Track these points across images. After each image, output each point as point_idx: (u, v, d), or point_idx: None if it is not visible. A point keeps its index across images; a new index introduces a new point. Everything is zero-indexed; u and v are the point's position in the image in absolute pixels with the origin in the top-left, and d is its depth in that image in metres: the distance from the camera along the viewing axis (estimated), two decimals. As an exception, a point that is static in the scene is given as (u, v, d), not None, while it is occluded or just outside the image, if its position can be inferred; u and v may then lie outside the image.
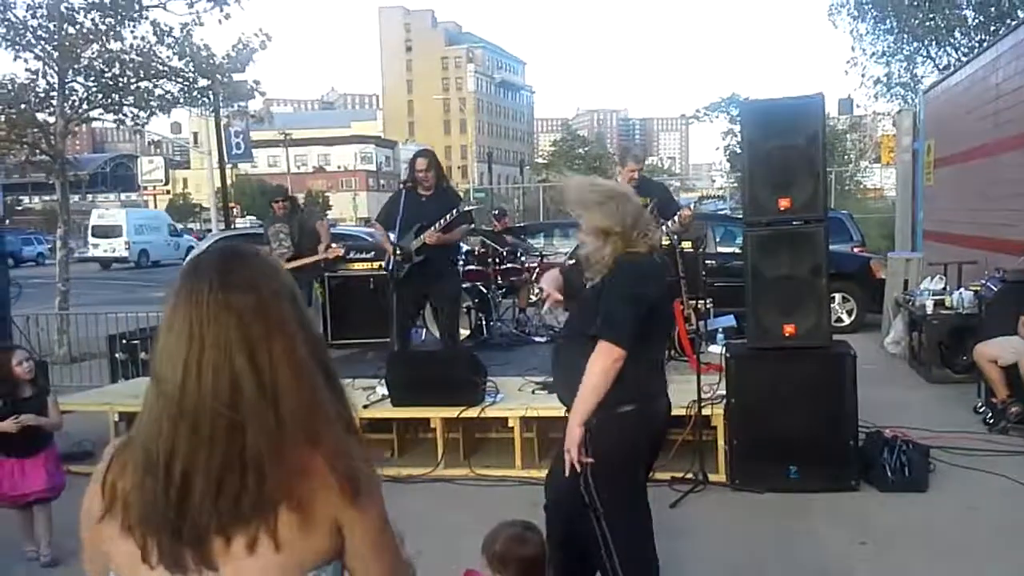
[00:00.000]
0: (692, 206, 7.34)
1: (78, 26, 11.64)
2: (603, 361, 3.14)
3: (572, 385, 3.24)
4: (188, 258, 12.24)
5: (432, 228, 7.34)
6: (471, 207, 7.86)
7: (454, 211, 7.46)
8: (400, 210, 7.56)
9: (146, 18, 11.89)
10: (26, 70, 11.70)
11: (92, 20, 11.72)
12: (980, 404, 7.06)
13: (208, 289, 1.42)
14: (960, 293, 8.71)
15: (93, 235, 40.20)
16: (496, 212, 14.89)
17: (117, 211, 43.91)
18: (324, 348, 1.54)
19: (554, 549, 3.23)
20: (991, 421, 6.72)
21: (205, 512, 1.37)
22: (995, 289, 8.21)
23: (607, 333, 3.15)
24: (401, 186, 7.86)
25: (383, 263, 8.11)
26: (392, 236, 7.69)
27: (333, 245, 9.10)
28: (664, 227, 6.66)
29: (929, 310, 8.68)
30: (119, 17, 11.71)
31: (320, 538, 1.42)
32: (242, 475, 1.37)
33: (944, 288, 9.08)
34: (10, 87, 11.70)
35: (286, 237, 8.85)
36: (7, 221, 7.58)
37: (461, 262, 11.49)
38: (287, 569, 1.40)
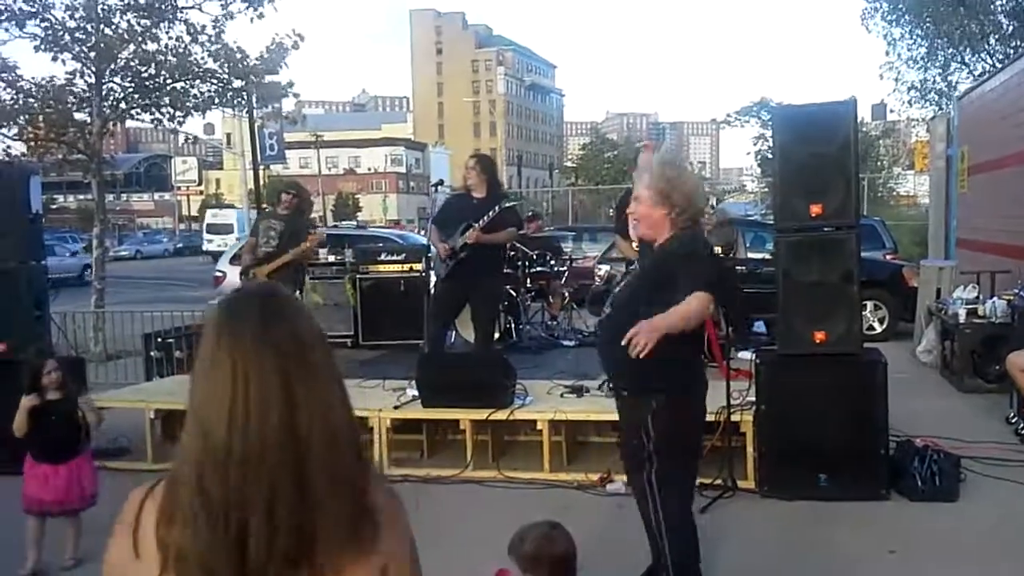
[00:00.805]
0: (715, 207, 7.28)
1: (114, 27, 11.82)
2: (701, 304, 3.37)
3: (640, 366, 3.33)
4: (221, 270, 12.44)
5: (476, 226, 7.38)
6: (511, 203, 7.88)
7: (496, 207, 7.50)
8: (453, 210, 7.71)
9: (181, 19, 12.06)
10: (66, 73, 11.90)
11: (128, 21, 11.90)
12: (1012, 414, 7.00)
13: (251, 331, 1.42)
14: (993, 302, 8.63)
15: (207, 232, 45.38)
16: (529, 214, 14.93)
17: (229, 211, 48.35)
18: (346, 390, 1.52)
19: None
20: (1023, 432, 6.66)
21: (264, 557, 1.35)
22: (1029, 298, 8.15)
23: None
24: (461, 190, 8.06)
25: (426, 263, 8.18)
26: (440, 234, 7.79)
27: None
28: None
29: (962, 319, 8.61)
30: (155, 19, 11.88)
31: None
32: (301, 518, 1.37)
33: (977, 297, 9.01)
34: (48, 88, 11.90)
35: (276, 236, 8.48)
36: (44, 219, 7.65)
37: (506, 268, 11.59)
38: None
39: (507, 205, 7.70)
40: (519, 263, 11.51)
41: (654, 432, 3.48)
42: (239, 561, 1.35)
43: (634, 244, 6.79)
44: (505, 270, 11.54)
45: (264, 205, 21.10)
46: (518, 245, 11.83)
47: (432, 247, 7.95)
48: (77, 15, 11.74)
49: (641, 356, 3.18)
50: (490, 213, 7.43)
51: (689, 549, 3.67)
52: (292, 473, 1.37)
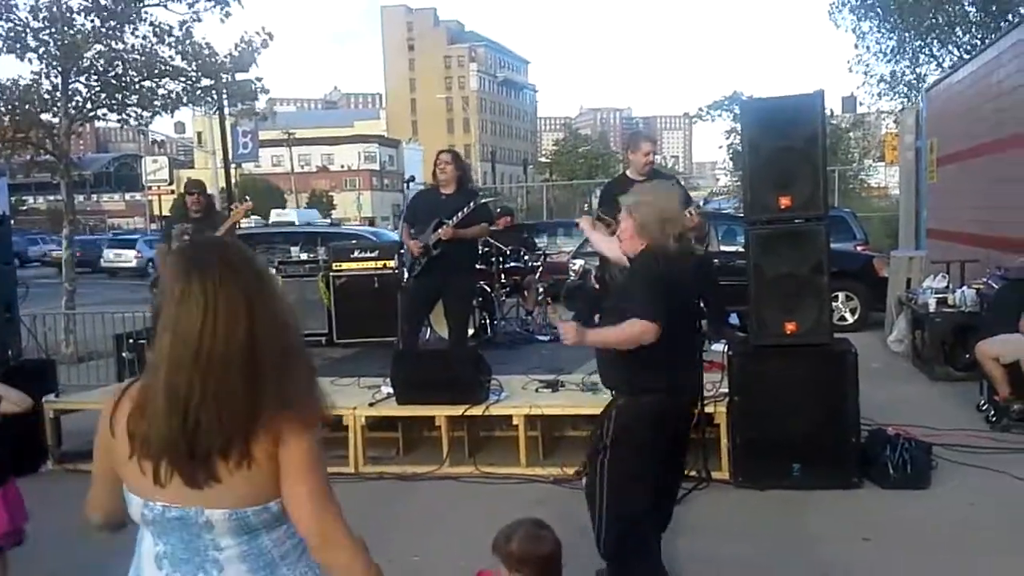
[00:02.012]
0: (698, 206, 7.25)
1: (77, 28, 11.69)
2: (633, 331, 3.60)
3: (613, 366, 3.85)
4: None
5: (448, 223, 7.37)
6: (487, 199, 7.88)
7: (471, 204, 7.49)
8: (424, 207, 7.68)
9: (145, 19, 11.94)
10: (31, 73, 11.76)
11: (92, 21, 11.77)
12: (982, 402, 7.08)
13: (217, 264, 1.81)
14: (962, 291, 8.73)
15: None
16: (498, 210, 14.92)
17: (291, 210, 50.75)
18: (291, 309, 1.95)
19: None
20: (993, 419, 6.74)
21: (212, 435, 1.74)
22: (997, 287, 8.24)
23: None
24: (429, 186, 8.01)
25: (399, 261, 8.11)
26: (411, 232, 7.77)
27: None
28: None
29: (932, 308, 8.70)
30: (118, 20, 11.75)
31: (274, 467, 1.79)
32: (239, 405, 1.75)
33: (947, 286, 9.10)
34: (14, 88, 11.76)
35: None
36: (12, 221, 7.50)
37: (479, 263, 11.58)
38: (262, 488, 1.79)
39: (482, 202, 7.72)
40: (493, 259, 11.51)
41: (613, 425, 3.77)
42: (193, 441, 1.74)
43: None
44: (478, 266, 11.56)
45: (225, 207, 20.97)
46: (492, 241, 11.83)
47: (404, 245, 7.94)
48: (41, 15, 11.61)
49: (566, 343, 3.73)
50: (464, 209, 7.42)
51: (625, 544, 3.79)
52: (246, 373, 1.76)
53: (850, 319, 11.56)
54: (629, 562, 3.74)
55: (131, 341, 9.30)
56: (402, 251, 7.86)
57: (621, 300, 3.83)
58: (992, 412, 6.80)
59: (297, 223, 42.19)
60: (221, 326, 1.76)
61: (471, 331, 10.63)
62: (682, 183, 7.95)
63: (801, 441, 5.44)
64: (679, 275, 3.77)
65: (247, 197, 9.05)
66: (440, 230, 7.38)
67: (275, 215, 50.46)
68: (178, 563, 1.84)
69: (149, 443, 1.76)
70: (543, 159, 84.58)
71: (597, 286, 11.06)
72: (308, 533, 1.82)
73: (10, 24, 11.48)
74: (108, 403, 1.89)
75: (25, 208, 63.03)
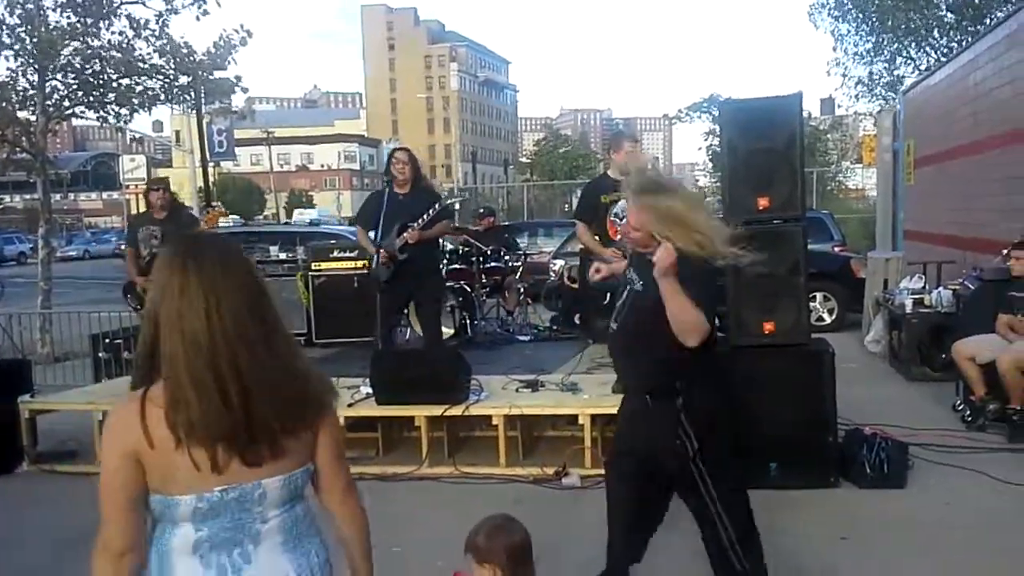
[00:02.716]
0: None
1: (52, 25, 11.59)
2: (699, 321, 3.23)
3: (637, 369, 3.52)
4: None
5: (414, 226, 7.31)
6: (452, 200, 7.79)
7: (436, 206, 7.44)
8: (379, 209, 7.53)
9: (120, 15, 11.86)
10: (7, 70, 11.67)
11: (67, 18, 11.68)
12: (958, 402, 7.14)
13: (214, 258, 1.88)
14: (939, 292, 8.81)
15: None
16: (481, 211, 14.93)
17: (309, 211, 52.99)
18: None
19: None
20: (969, 419, 6.80)
21: (271, 417, 1.84)
22: (973, 288, 8.32)
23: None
24: (383, 184, 7.84)
25: (366, 264, 7.97)
26: (371, 235, 7.68)
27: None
28: None
29: (908, 309, 8.77)
30: (93, 16, 11.66)
31: (314, 433, 1.97)
32: (286, 386, 1.88)
33: (923, 287, 9.18)
34: (-11, 86, 11.65)
35: (158, 239, 7.63)
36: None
37: (445, 260, 11.53)
38: (307, 448, 1.97)
39: (447, 203, 7.66)
40: (474, 259, 11.51)
41: (692, 427, 3.42)
42: (247, 424, 1.81)
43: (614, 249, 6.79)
44: (459, 266, 11.55)
45: (215, 203, 20.81)
46: (472, 241, 11.83)
47: (367, 250, 7.81)
48: (16, 12, 11.51)
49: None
50: (430, 211, 7.36)
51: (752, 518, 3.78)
52: (271, 353, 1.87)
53: (828, 320, 11.62)
54: (752, 535, 3.73)
55: (107, 341, 9.24)
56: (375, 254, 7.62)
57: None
58: (968, 412, 6.86)
59: (311, 221, 43.07)
60: (228, 319, 1.82)
61: (451, 331, 10.62)
62: None
63: (779, 440, 5.47)
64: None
65: (214, 204, 8.84)
66: (406, 234, 7.30)
67: (297, 214, 52.90)
68: (218, 544, 1.87)
69: (195, 431, 1.80)
70: (524, 159, 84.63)
71: (574, 285, 11.10)
72: (340, 483, 2.05)
73: (-14, 21, 11.37)
74: (131, 416, 1.83)
75: (1, 207, 62.43)
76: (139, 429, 1.81)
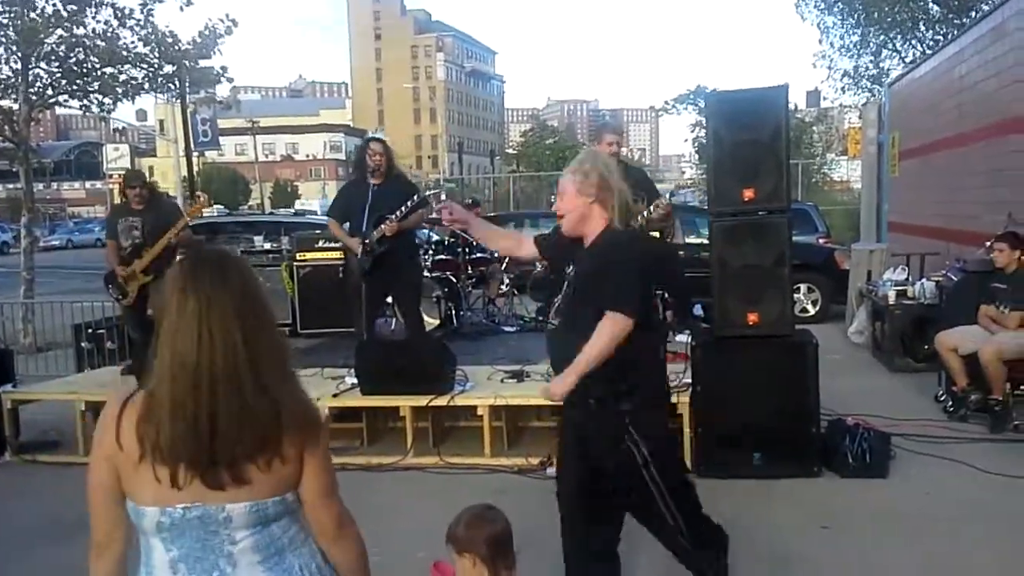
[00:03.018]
0: (668, 197, 7.22)
1: (39, 12, 11.51)
2: (612, 330, 3.20)
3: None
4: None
5: (392, 218, 7.26)
6: (437, 191, 7.71)
7: (415, 197, 7.39)
8: (360, 200, 7.47)
9: (106, 4, 11.77)
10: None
11: (53, 5, 11.59)
12: (941, 392, 7.19)
13: (211, 279, 1.88)
14: (922, 283, 8.86)
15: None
16: (469, 202, 14.92)
17: (314, 201, 54.01)
18: (275, 322, 2.06)
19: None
20: (951, 409, 6.85)
21: (236, 444, 1.83)
22: (956, 279, 8.37)
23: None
24: (353, 174, 7.76)
25: (342, 255, 7.80)
26: (345, 227, 7.61)
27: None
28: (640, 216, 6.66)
29: (891, 300, 8.81)
30: (80, 3, 11.58)
31: (296, 463, 1.93)
32: (260, 416, 1.85)
33: (907, 279, 9.23)
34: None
35: (138, 230, 7.46)
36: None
37: (430, 251, 11.51)
38: (283, 481, 1.92)
39: (427, 194, 7.61)
40: (459, 249, 11.49)
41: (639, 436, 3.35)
42: (210, 448, 1.82)
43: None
44: (443, 256, 11.54)
45: (199, 193, 20.70)
46: (458, 232, 11.80)
47: (343, 241, 7.74)
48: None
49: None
50: (408, 203, 7.31)
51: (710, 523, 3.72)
52: (254, 382, 1.85)
53: (812, 311, 11.68)
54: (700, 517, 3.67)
55: (90, 331, 9.19)
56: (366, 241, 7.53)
57: (587, 290, 3.36)
58: (950, 402, 6.90)
59: (320, 213, 43.00)
60: (218, 344, 1.83)
61: (436, 322, 10.61)
62: (649, 177, 7.96)
63: (762, 431, 5.50)
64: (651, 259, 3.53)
65: (199, 194, 8.68)
66: (384, 225, 7.24)
67: (298, 204, 53.19)
68: (193, 564, 1.89)
69: (160, 450, 1.82)
70: (510, 150, 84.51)
71: (552, 275, 11.11)
72: (327, 521, 2.00)
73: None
74: (109, 418, 1.90)
75: (-17, 196, 61.95)
76: (113, 430, 1.87)
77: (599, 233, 3.36)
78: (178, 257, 7.90)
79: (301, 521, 2.00)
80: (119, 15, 11.72)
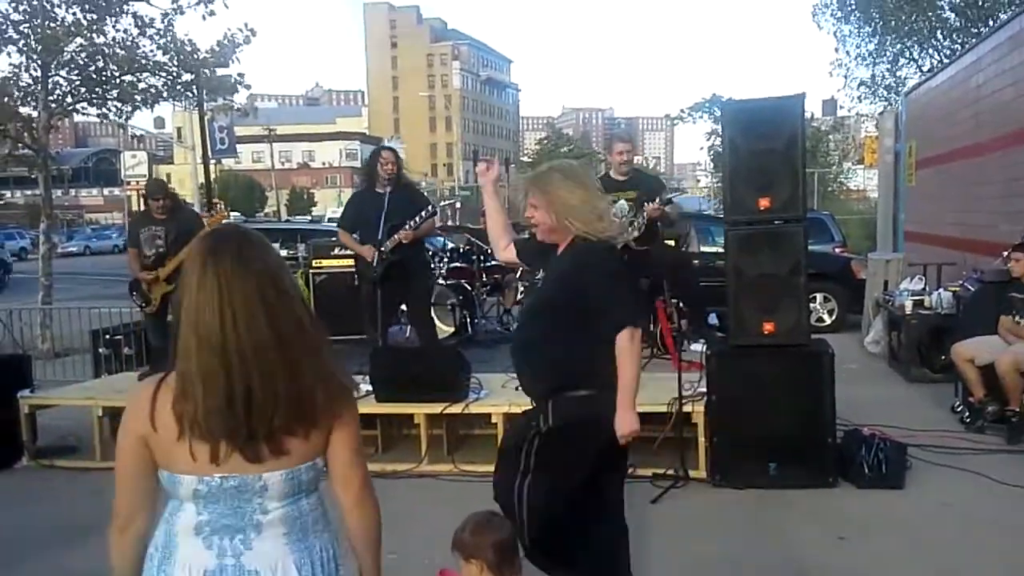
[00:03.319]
0: (669, 200, 7.18)
1: (59, 20, 11.61)
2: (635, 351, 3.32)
3: (535, 378, 3.49)
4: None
5: (410, 225, 7.29)
6: (448, 201, 7.68)
7: (429, 207, 7.42)
8: (367, 210, 7.51)
9: (127, 12, 11.88)
10: (10, 66, 11.68)
11: (73, 14, 11.69)
12: (957, 403, 7.14)
13: (232, 257, 1.89)
14: (939, 293, 8.80)
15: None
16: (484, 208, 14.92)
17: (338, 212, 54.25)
18: (304, 298, 2.07)
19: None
20: (968, 420, 6.80)
21: (273, 417, 1.87)
22: (973, 289, 8.32)
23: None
24: (364, 184, 7.79)
25: (362, 264, 7.80)
26: (355, 236, 7.63)
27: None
28: (639, 219, 6.67)
29: (908, 310, 8.77)
30: (100, 12, 11.68)
31: (327, 431, 1.98)
32: (292, 388, 1.88)
33: (923, 288, 9.18)
34: (-8, 81, 11.67)
35: (161, 239, 7.54)
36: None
37: (445, 259, 11.53)
38: (315, 448, 1.97)
39: (447, 203, 7.61)
40: (474, 257, 11.52)
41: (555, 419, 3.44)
42: (247, 422, 1.85)
43: None
44: (458, 264, 11.56)
45: (216, 200, 20.79)
46: (473, 240, 11.84)
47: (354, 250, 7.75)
48: (21, 7, 11.52)
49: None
50: (423, 212, 7.34)
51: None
52: (282, 356, 1.88)
53: (828, 320, 11.62)
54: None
55: (107, 337, 9.25)
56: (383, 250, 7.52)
57: (551, 294, 3.47)
58: (967, 413, 6.86)
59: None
60: (241, 322, 1.85)
61: (452, 329, 10.63)
62: (663, 182, 7.98)
63: (778, 440, 5.48)
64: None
65: (217, 201, 8.70)
66: (400, 234, 7.27)
67: (330, 213, 53.28)
68: (219, 528, 1.92)
69: (199, 425, 1.85)
70: (525, 158, 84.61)
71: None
72: (355, 481, 2.03)
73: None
74: (143, 401, 1.92)
75: (2, 203, 62.43)
76: (148, 412, 1.89)
77: (568, 243, 3.45)
78: (128, 267, 7.86)
79: (326, 505, 2.05)
80: (139, 24, 11.81)
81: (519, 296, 12.06)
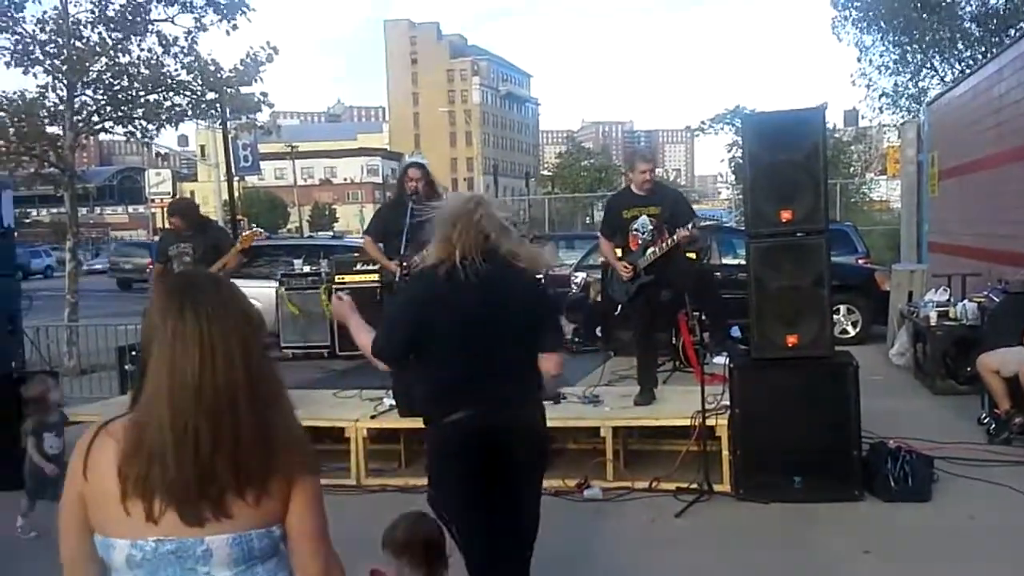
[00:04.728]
0: (698, 223, 7.10)
1: (85, 40, 11.77)
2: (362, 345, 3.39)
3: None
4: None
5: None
6: None
7: None
8: (393, 223, 7.53)
9: (152, 31, 12.02)
10: (37, 86, 11.84)
11: (99, 34, 11.85)
12: (983, 415, 7.08)
13: (210, 302, 1.77)
14: (964, 304, 8.74)
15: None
16: (535, 234, 15.11)
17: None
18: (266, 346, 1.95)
19: None
20: (994, 432, 6.74)
21: (228, 476, 1.69)
22: (998, 300, 8.25)
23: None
24: (396, 197, 7.82)
25: (384, 276, 7.82)
26: (379, 246, 7.66)
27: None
28: (670, 239, 6.66)
29: (933, 321, 8.71)
30: (126, 32, 11.84)
31: (283, 498, 1.77)
32: (253, 445, 1.72)
33: (948, 299, 9.11)
34: (20, 101, 11.83)
35: (189, 255, 7.56)
36: (15, 234, 7.45)
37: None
38: (269, 514, 1.76)
39: None
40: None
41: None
42: (200, 480, 1.68)
43: (618, 251, 6.82)
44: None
45: (240, 217, 20.93)
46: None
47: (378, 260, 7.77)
48: (48, 28, 11.69)
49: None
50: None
51: None
52: (251, 398, 1.73)
53: (851, 332, 11.56)
54: None
55: (133, 353, 9.30)
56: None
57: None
58: (993, 425, 6.80)
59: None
60: (220, 364, 1.71)
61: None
62: (685, 198, 7.95)
63: (803, 454, 5.45)
64: (449, 292, 3.20)
65: (254, 225, 8.69)
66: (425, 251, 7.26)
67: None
68: None
69: (146, 483, 1.67)
70: (545, 172, 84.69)
71: (599, 299, 11.11)
72: (312, 567, 1.81)
73: (17, 37, 11.55)
74: (78, 451, 1.77)
75: (28, 221, 63.14)
76: (81, 464, 1.74)
77: None
78: (153, 284, 7.82)
79: (290, 570, 1.82)
80: (164, 43, 11.95)
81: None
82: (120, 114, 12.31)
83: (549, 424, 6.14)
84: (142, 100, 12.22)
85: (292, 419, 1.83)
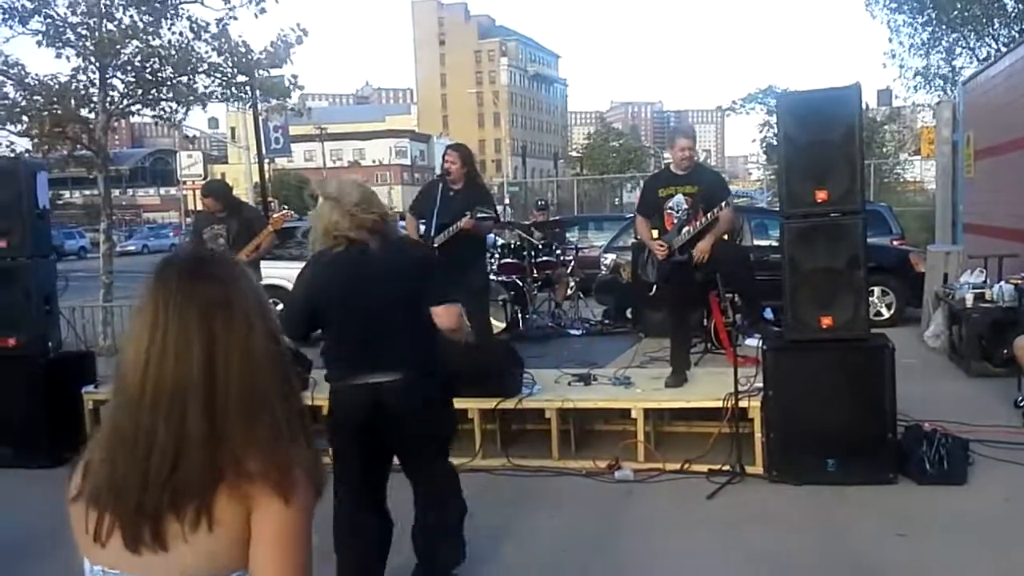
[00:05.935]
0: (730, 201, 7.04)
1: (116, 22, 11.83)
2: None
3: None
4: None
5: (451, 230, 7.36)
6: (482, 215, 7.58)
7: (467, 215, 7.39)
8: (432, 202, 7.60)
9: (182, 15, 12.07)
10: (71, 70, 11.92)
11: (131, 17, 11.91)
12: (1020, 398, 6.99)
13: (176, 281, 1.51)
14: (1000, 286, 8.62)
15: None
16: (541, 203, 15.14)
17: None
18: (281, 344, 1.59)
19: None
20: (1031, 415, 6.67)
21: (161, 487, 1.42)
22: (1036, 282, 8.14)
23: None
24: (436, 177, 7.89)
25: None
26: (422, 228, 7.73)
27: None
28: (704, 218, 6.61)
29: (969, 303, 8.61)
30: (156, 14, 11.89)
31: (238, 533, 1.44)
32: (197, 452, 1.43)
33: (984, 281, 9.00)
34: (53, 85, 11.92)
35: (224, 235, 7.67)
36: (50, 215, 7.53)
37: (496, 255, 11.54)
38: (218, 556, 1.44)
39: (480, 215, 7.51)
40: (526, 252, 11.54)
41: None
42: (142, 489, 1.42)
43: (654, 232, 6.78)
44: (509, 259, 11.58)
45: (271, 199, 21.03)
46: (523, 235, 11.86)
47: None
48: (79, 10, 11.76)
49: None
50: (467, 214, 7.33)
51: None
52: (207, 416, 1.44)
53: (886, 314, 11.44)
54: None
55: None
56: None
57: None
58: (1030, 408, 6.72)
59: None
60: (170, 349, 1.46)
61: (503, 325, 10.66)
62: (723, 178, 7.87)
63: (836, 436, 5.41)
64: (333, 270, 3.74)
65: (285, 206, 8.74)
66: (463, 220, 7.31)
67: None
68: None
69: (96, 489, 1.47)
70: (574, 153, 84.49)
71: (630, 280, 11.08)
72: None
73: (48, 19, 11.63)
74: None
75: (61, 202, 63.87)
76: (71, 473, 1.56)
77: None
78: None
79: None
80: (194, 28, 11.99)
81: (570, 291, 12.08)
82: (150, 96, 12.38)
83: (580, 405, 6.19)
84: (172, 83, 12.27)
85: (268, 430, 1.47)
